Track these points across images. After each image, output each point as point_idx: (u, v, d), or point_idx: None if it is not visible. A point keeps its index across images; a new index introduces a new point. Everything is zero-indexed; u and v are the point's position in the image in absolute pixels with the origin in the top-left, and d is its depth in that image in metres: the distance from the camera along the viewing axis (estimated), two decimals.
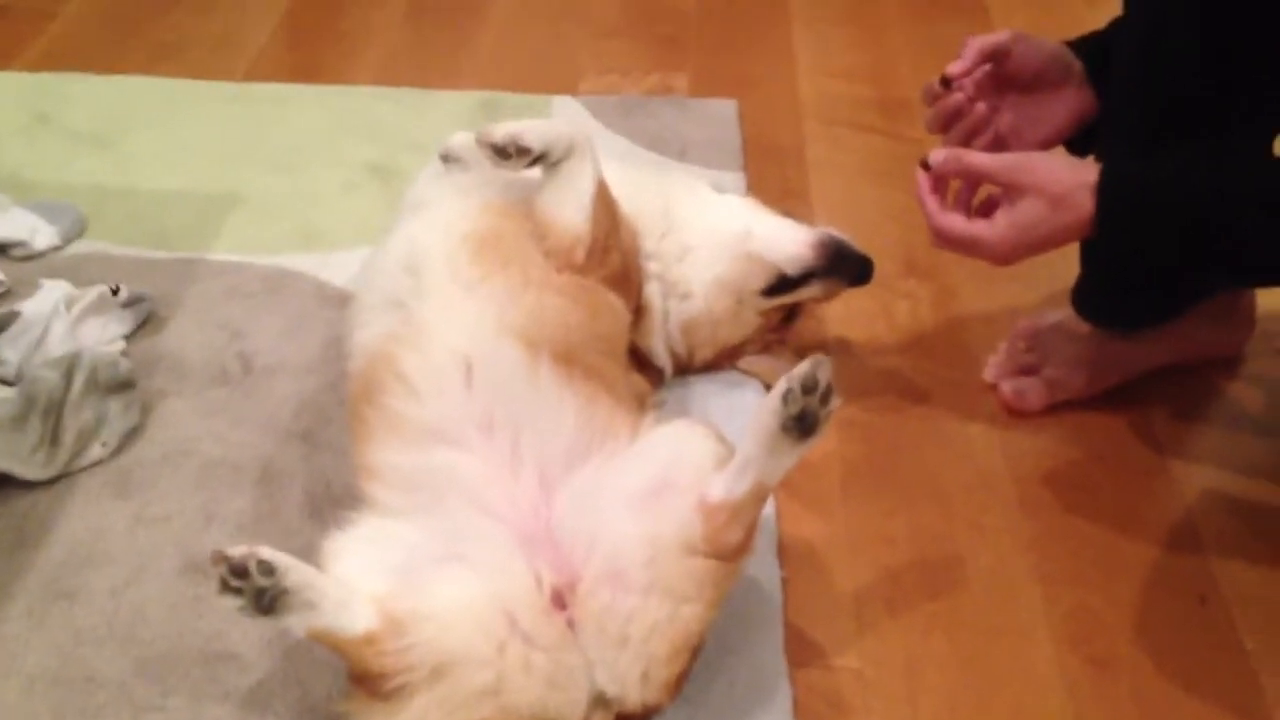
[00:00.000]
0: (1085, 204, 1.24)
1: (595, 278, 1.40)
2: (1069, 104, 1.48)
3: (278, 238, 1.84)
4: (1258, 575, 1.39)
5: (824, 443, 1.48)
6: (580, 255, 1.38)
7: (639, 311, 1.53)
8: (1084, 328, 1.58)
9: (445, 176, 1.48)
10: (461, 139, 1.45)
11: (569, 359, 1.28)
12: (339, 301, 1.69)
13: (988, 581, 1.37)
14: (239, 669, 1.21)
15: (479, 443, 1.20)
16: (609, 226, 1.41)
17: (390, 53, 2.39)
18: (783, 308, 1.60)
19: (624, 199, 1.50)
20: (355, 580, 1.10)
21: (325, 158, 2.04)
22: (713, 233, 1.57)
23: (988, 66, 1.46)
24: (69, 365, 1.46)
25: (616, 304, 1.43)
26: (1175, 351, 1.63)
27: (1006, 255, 1.30)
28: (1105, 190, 1.24)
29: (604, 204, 1.41)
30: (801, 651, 1.28)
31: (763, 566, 1.35)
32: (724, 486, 1.10)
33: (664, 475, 1.15)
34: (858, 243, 1.58)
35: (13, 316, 1.58)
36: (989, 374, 1.65)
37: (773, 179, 2.07)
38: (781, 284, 1.56)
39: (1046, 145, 1.51)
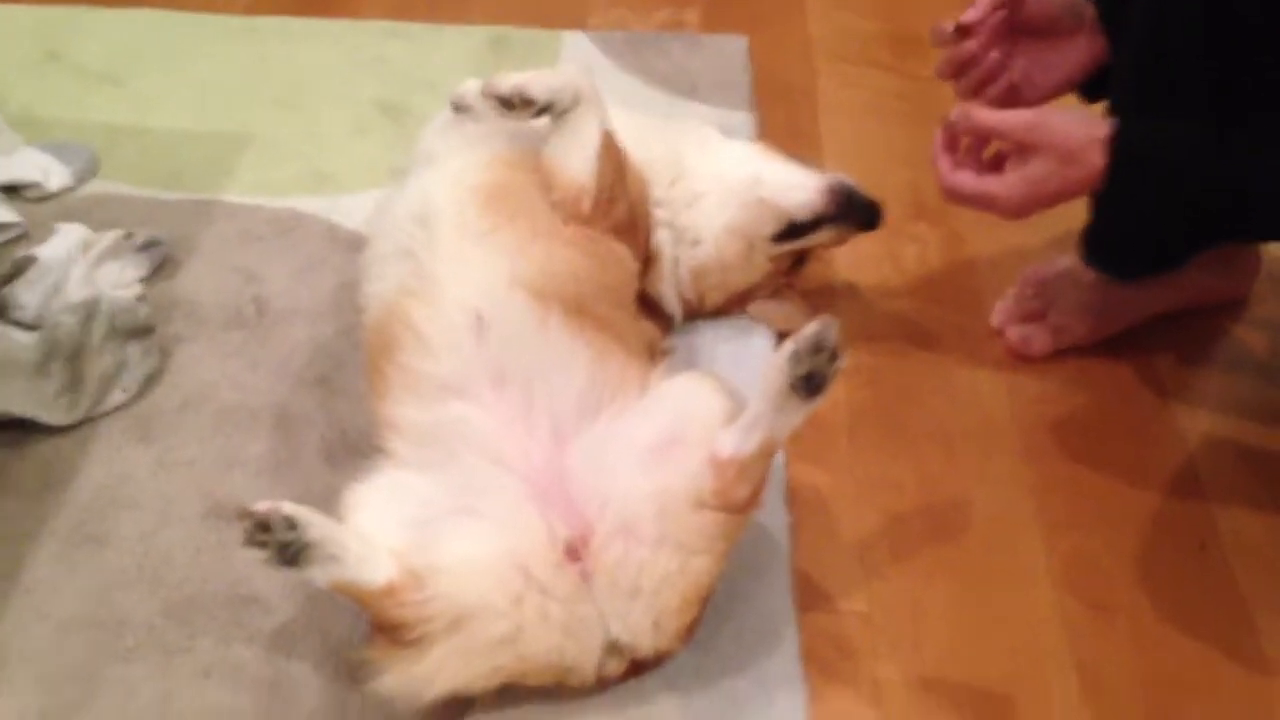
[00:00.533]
0: (1096, 159, 1.25)
1: (602, 228, 1.41)
2: (1081, 51, 1.48)
3: (288, 179, 1.85)
4: (1258, 521, 1.41)
5: (831, 392, 1.52)
6: (586, 206, 1.39)
7: (648, 259, 1.55)
8: (1090, 274, 1.59)
9: (455, 127, 1.48)
10: (472, 87, 1.45)
11: (579, 310, 1.30)
12: (350, 245, 1.71)
13: (990, 527, 1.40)
14: (263, 612, 1.25)
15: (491, 396, 1.23)
16: (614, 177, 1.42)
17: None
18: (792, 253, 1.61)
19: (632, 146, 1.51)
20: (373, 533, 1.12)
21: (335, 96, 2.04)
22: (722, 179, 1.58)
23: (1002, 13, 1.46)
24: (88, 311, 1.48)
25: (624, 254, 1.45)
26: (1181, 297, 1.64)
27: (1018, 210, 1.31)
28: (1117, 146, 1.24)
29: (610, 155, 1.42)
30: (809, 596, 1.31)
31: (771, 513, 1.37)
32: (733, 443, 1.12)
33: (674, 429, 1.18)
34: (867, 187, 1.58)
35: (30, 261, 1.59)
36: (996, 319, 1.66)
37: (782, 120, 2.07)
38: (791, 230, 1.57)
39: (1059, 92, 1.51)
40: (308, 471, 1.41)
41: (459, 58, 2.15)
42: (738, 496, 1.13)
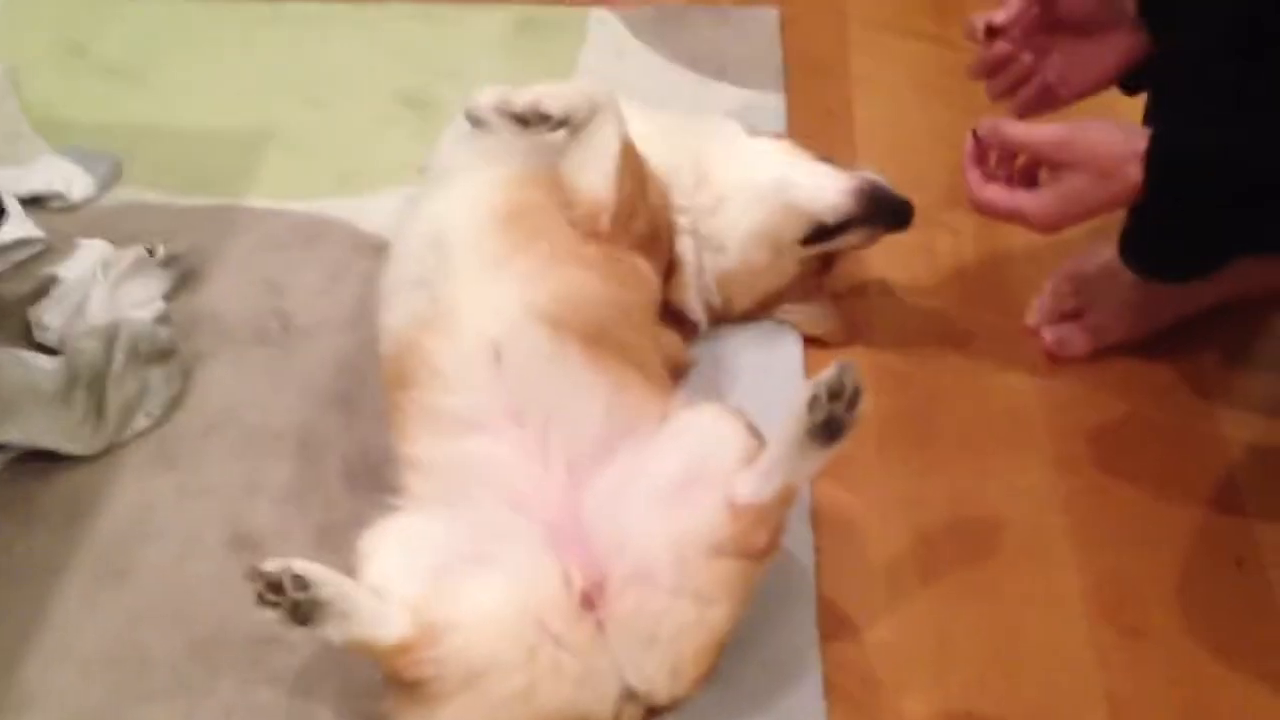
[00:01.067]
0: (1134, 174, 1.20)
1: (623, 244, 1.38)
2: (1119, 47, 1.41)
3: (313, 181, 1.84)
4: None
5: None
6: (605, 223, 1.36)
7: (671, 267, 1.52)
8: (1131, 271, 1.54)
9: (470, 141, 1.45)
10: (487, 99, 1.41)
11: (598, 339, 1.27)
12: (374, 251, 1.68)
13: (1021, 546, 1.37)
14: (285, 651, 1.25)
15: (509, 430, 1.21)
16: (635, 191, 1.39)
17: None
18: (821, 255, 1.57)
19: (653, 153, 1.47)
20: (389, 582, 1.12)
21: (359, 88, 2.02)
22: (747, 183, 1.54)
23: (1035, 10, 1.40)
24: (109, 336, 1.48)
25: (645, 270, 1.42)
26: (1227, 290, 1.59)
27: (1052, 227, 1.27)
28: (1154, 160, 1.19)
29: (629, 167, 1.38)
30: (833, 624, 1.30)
31: (797, 535, 1.35)
32: (751, 488, 1.10)
33: (691, 469, 1.16)
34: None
35: (53, 281, 1.60)
36: (1031, 318, 1.62)
37: (814, 98, 2.01)
38: (820, 233, 1.53)
39: (1096, 88, 1.46)
40: (330, 498, 1.41)
41: (484, 41, 2.12)
42: (756, 543, 1.11)
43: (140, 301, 1.61)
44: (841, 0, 2.23)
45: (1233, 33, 1.25)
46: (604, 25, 2.14)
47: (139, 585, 1.33)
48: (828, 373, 1.06)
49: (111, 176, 1.84)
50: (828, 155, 1.59)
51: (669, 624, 1.10)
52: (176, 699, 1.23)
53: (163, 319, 1.59)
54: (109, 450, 1.45)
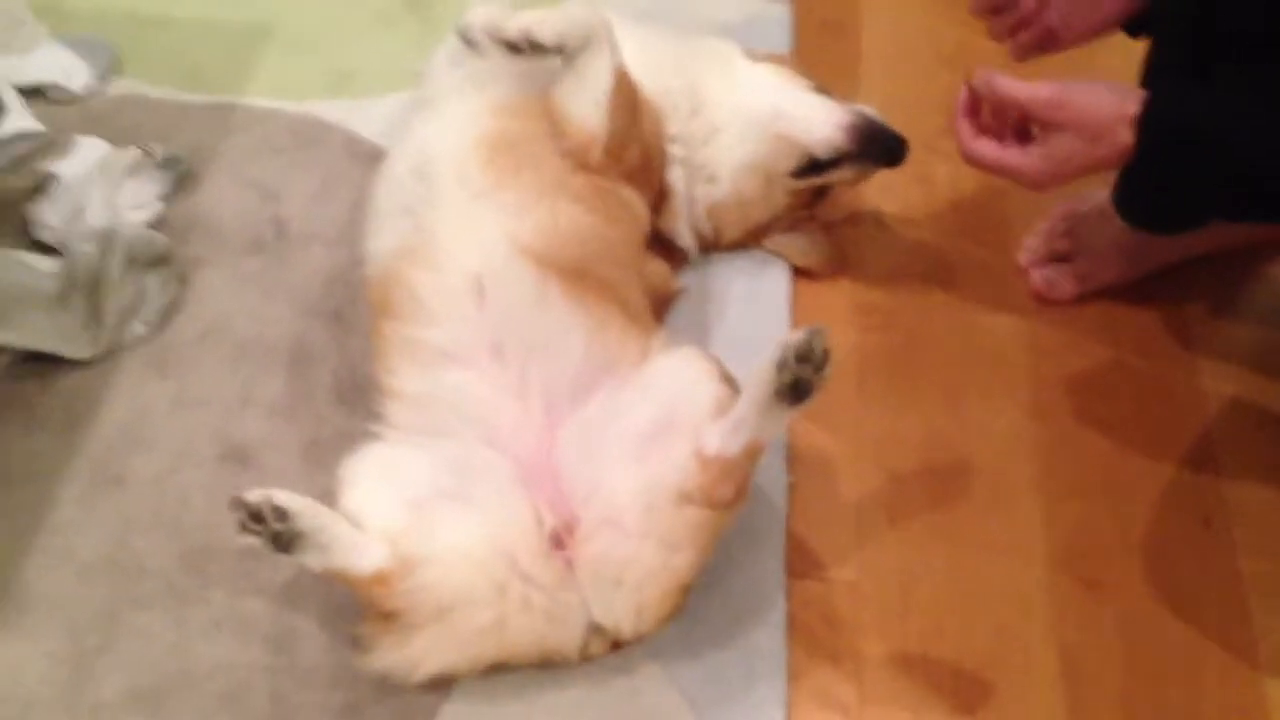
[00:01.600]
0: (1124, 137, 1.20)
1: (613, 174, 1.39)
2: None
3: (309, 79, 1.83)
4: (1268, 494, 1.40)
5: (843, 334, 1.52)
6: (597, 154, 1.36)
7: (661, 195, 1.52)
8: None
9: (461, 64, 1.44)
10: (480, 21, 1.39)
11: (580, 275, 1.29)
12: (369, 158, 1.69)
13: (990, 492, 1.40)
14: (272, 566, 1.30)
15: (489, 366, 1.24)
16: (627, 121, 1.39)
17: None
18: (813, 187, 1.57)
19: (648, 79, 1.46)
20: (366, 511, 1.16)
21: None
22: (742, 112, 1.53)
23: None
24: (106, 241, 1.50)
25: (634, 202, 1.42)
26: (1218, 239, 1.59)
27: (1041, 185, 1.28)
28: (1146, 123, 1.19)
29: (622, 97, 1.38)
30: (801, 562, 1.34)
31: (771, 473, 1.38)
32: (718, 442, 1.13)
33: (665, 417, 1.19)
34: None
35: (51, 179, 1.61)
36: (1023, 257, 1.62)
37: (820, 9, 1.99)
38: (811, 166, 1.53)
39: (1099, 33, 1.44)
40: (319, 413, 1.44)
41: None
42: (722, 494, 1.14)
43: (138, 203, 1.62)
44: None
45: None
46: None
47: (134, 493, 1.37)
48: (797, 335, 1.08)
49: (110, 67, 1.83)
50: (824, 86, 1.58)
51: (635, 568, 1.14)
52: (169, 607, 1.28)
53: (159, 224, 1.60)
54: (106, 355, 1.48)
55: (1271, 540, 1.35)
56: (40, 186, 1.62)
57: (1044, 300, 1.58)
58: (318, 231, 1.63)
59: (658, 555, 1.14)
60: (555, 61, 1.36)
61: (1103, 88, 1.22)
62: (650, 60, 1.48)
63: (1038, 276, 1.58)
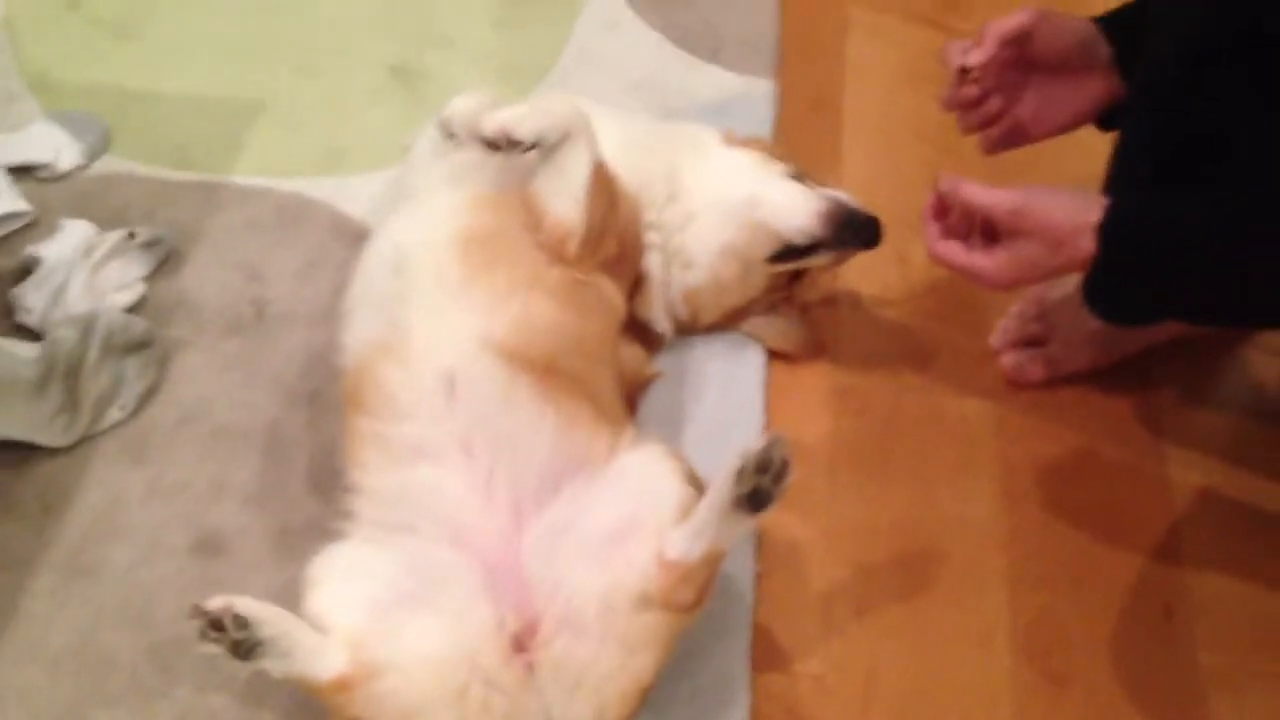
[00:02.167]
0: (1085, 245, 1.21)
1: (589, 265, 1.40)
2: (1093, 90, 1.41)
3: (299, 157, 1.85)
4: (1228, 585, 1.41)
5: (817, 420, 1.53)
6: (574, 247, 1.38)
7: (638, 282, 1.54)
8: None
9: (441, 158, 1.45)
10: (459, 116, 1.41)
11: (552, 370, 1.30)
12: (353, 238, 1.71)
13: (958, 582, 1.41)
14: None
15: (459, 463, 1.25)
16: (605, 214, 1.40)
17: None
18: (790, 270, 1.58)
19: (625, 168, 1.48)
20: (331, 613, 1.17)
21: (348, 57, 2.01)
22: (718, 199, 1.55)
23: (1009, 52, 1.39)
24: (86, 326, 1.52)
25: (611, 293, 1.44)
26: (1189, 326, 1.59)
27: (1003, 288, 1.30)
28: (1106, 234, 1.20)
29: (600, 190, 1.39)
30: (766, 655, 1.34)
31: (739, 562, 1.39)
32: (680, 547, 1.14)
33: (628, 518, 1.19)
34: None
35: (36, 261, 1.63)
36: (995, 340, 1.63)
37: (805, 86, 2.00)
38: (788, 252, 1.54)
39: (1068, 127, 1.46)
40: (292, 501, 1.46)
41: (479, 8, 2.09)
42: (682, 598, 1.15)
43: (121, 284, 1.64)
44: None
45: (1191, 80, 1.24)
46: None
47: (106, 584, 1.38)
48: (757, 445, 1.09)
49: (100, 145, 1.85)
50: (801, 170, 1.59)
51: (595, 670, 1.15)
52: (135, 704, 1.29)
53: (140, 304, 1.63)
54: (82, 440, 1.49)
55: (1231, 634, 1.36)
56: (24, 269, 1.64)
57: (1015, 385, 1.59)
58: (299, 311, 1.65)
59: (617, 657, 1.15)
60: (533, 156, 1.38)
61: (1065, 196, 1.23)
62: (628, 148, 1.50)
63: (1009, 360, 1.59)
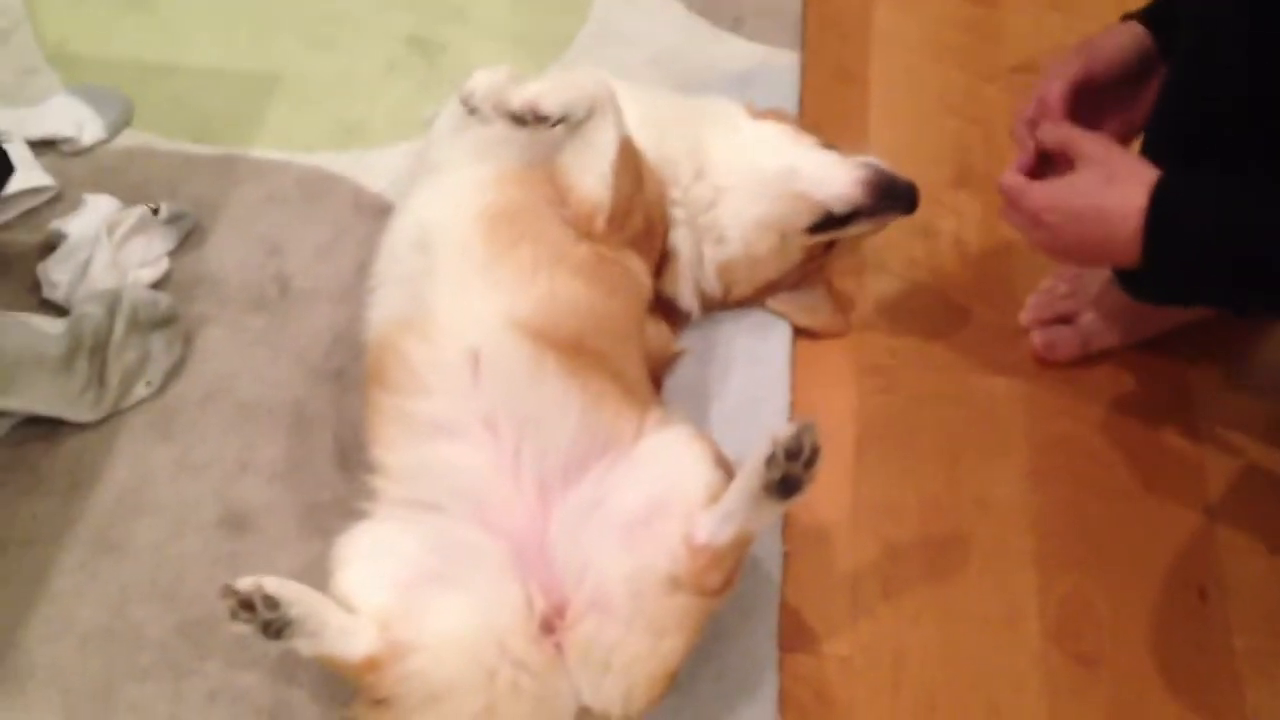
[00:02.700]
0: (1136, 198, 1.18)
1: (616, 242, 1.39)
2: (1148, 101, 1.38)
3: (317, 130, 1.84)
4: (1266, 566, 1.39)
5: (844, 398, 1.52)
6: (600, 224, 1.37)
7: (664, 258, 1.52)
8: None
9: (464, 132, 1.44)
10: (483, 91, 1.39)
11: (578, 349, 1.29)
12: (374, 213, 1.70)
13: (986, 563, 1.40)
14: None
15: (482, 440, 1.24)
16: (631, 190, 1.39)
17: None
18: (825, 241, 1.57)
19: (650, 146, 1.47)
20: (359, 593, 1.17)
21: (365, 28, 2.00)
22: (751, 172, 1.53)
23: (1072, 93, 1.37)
24: (111, 303, 1.51)
25: (636, 268, 1.43)
26: None
27: (1038, 208, 1.27)
28: (1151, 217, 1.18)
29: (626, 166, 1.38)
30: (794, 636, 1.34)
31: (766, 545, 1.38)
32: (708, 531, 1.13)
33: (656, 501, 1.19)
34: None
35: (60, 237, 1.63)
36: (1025, 317, 1.61)
37: (830, 57, 1.98)
38: (827, 221, 1.53)
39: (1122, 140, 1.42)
40: (319, 478, 1.46)
41: None
42: (710, 582, 1.14)
43: (145, 260, 1.64)
44: None
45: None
46: None
47: (134, 560, 1.39)
48: (787, 431, 1.08)
49: (122, 119, 1.84)
50: (828, 140, 1.57)
51: (623, 654, 1.15)
52: (166, 678, 1.30)
53: (165, 280, 1.62)
54: (110, 417, 1.49)
55: (1267, 616, 1.35)
56: (49, 244, 1.64)
57: (1044, 361, 1.57)
58: (322, 288, 1.64)
59: (645, 641, 1.15)
60: (560, 131, 1.36)
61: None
62: (653, 125, 1.48)
63: (1038, 338, 1.58)
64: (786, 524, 1.42)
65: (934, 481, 1.47)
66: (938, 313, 1.64)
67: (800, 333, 1.61)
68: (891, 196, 1.51)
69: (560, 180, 1.37)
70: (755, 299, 1.61)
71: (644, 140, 1.45)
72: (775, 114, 1.64)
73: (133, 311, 1.52)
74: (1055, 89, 1.35)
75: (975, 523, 1.43)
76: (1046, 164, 1.34)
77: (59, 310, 1.58)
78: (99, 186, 1.72)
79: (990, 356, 1.59)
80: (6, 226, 1.67)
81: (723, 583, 1.15)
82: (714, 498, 1.16)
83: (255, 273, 1.66)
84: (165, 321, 1.55)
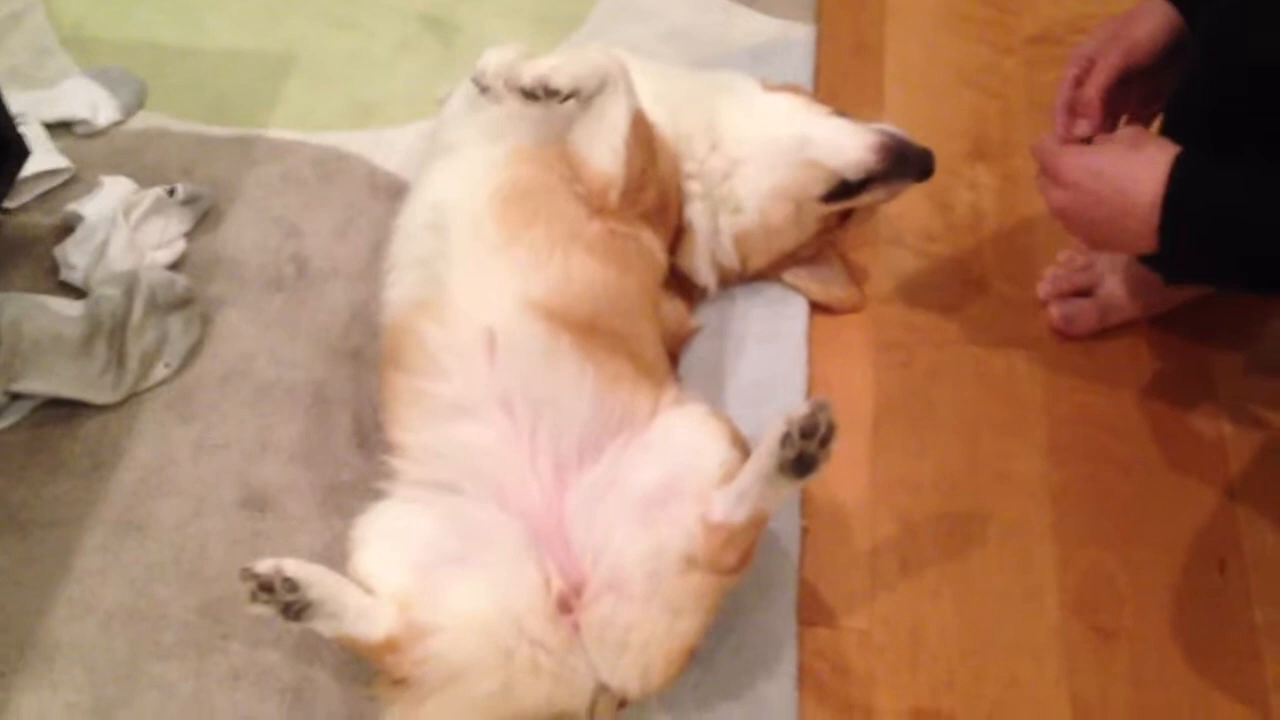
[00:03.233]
0: (1158, 165, 1.17)
1: (630, 217, 1.39)
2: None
3: (332, 111, 1.84)
4: None
5: (861, 373, 1.52)
6: (614, 199, 1.37)
7: (679, 233, 1.52)
8: None
9: (476, 111, 1.44)
10: (494, 68, 1.39)
11: (592, 329, 1.29)
12: (390, 193, 1.70)
13: (1004, 538, 1.40)
14: None
15: (498, 421, 1.25)
16: (644, 164, 1.39)
17: None
18: (840, 210, 1.56)
19: (664, 120, 1.46)
20: (377, 574, 1.18)
21: (381, 8, 2.00)
22: (767, 141, 1.52)
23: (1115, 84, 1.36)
24: (129, 285, 1.52)
25: (652, 245, 1.43)
26: None
27: (1062, 169, 1.26)
28: (1170, 197, 1.17)
29: (639, 140, 1.38)
30: (812, 610, 1.34)
31: (784, 516, 1.38)
32: (724, 510, 1.13)
33: (672, 480, 1.19)
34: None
35: (77, 219, 1.64)
36: (1042, 290, 1.60)
37: (845, 31, 1.97)
38: (841, 190, 1.52)
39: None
40: (337, 457, 1.46)
41: None
42: (726, 561, 1.15)
43: (161, 242, 1.65)
44: None
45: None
46: None
47: (156, 540, 1.40)
48: (802, 409, 1.08)
49: (136, 101, 1.85)
50: (842, 110, 1.56)
51: (640, 632, 1.15)
52: (189, 657, 1.31)
53: (182, 261, 1.63)
54: (130, 398, 1.50)
55: None
56: (66, 227, 1.65)
57: (1063, 335, 1.56)
58: (338, 268, 1.64)
59: (662, 619, 1.15)
60: (571, 106, 1.36)
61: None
62: (668, 100, 1.48)
63: (1056, 311, 1.57)
64: (805, 499, 1.41)
65: (952, 456, 1.46)
66: (955, 287, 1.63)
67: (816, 308, 1.60)
68: (905, 162, 1.50)
69: (572, 155, 1.37)
70: (771, 272, 1.61)
71: (658, 115, 1.44)
72: (790, 88, 1.63)
73: (150, 293, 1.52)
74: (1095, 85, 1.33)
75: (994, 497, 1.43)
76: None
77: (77, 292, 1.59)
78: (115, 168, 1.73)
79: (1008, 331, 1.58)
80: (23, 209, 1.68)
81: (739, 561, 1.15)
82: (730, 476, 1.16)
83: (272, 253, 1.66)
84: (183, 303, 1.56)
